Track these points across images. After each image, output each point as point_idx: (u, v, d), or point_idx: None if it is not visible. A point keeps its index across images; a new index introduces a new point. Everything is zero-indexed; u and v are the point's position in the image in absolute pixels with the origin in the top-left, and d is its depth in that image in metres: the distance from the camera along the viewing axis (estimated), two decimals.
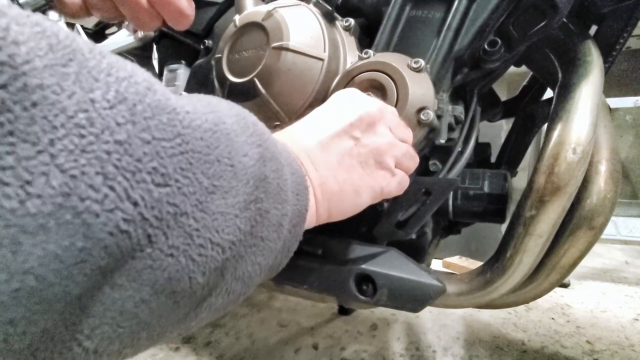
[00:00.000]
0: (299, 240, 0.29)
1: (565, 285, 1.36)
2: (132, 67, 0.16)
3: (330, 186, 0.31)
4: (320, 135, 0.33)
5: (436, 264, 1.53)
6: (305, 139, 0.32)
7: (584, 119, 0.43)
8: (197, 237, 0.17)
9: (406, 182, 0.39)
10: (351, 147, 0.33)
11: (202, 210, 0.17)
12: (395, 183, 0.37)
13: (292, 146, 0.30)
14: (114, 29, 0.84)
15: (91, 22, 0.87)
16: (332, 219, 0.33)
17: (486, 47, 0.46)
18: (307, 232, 0.30)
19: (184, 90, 0.61)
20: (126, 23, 0.64)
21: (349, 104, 0.35)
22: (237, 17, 0.48)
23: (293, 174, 0.26)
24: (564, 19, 0.48)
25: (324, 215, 0.32)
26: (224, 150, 0.19)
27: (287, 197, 0.25)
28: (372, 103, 0.36)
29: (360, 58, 0.46)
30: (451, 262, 1.52)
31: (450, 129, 0.48)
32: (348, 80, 0.44)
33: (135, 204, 0.14)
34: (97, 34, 0.86)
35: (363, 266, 0.44)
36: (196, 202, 0.17)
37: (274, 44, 0.43)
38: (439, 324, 1.03)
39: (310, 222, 0.31)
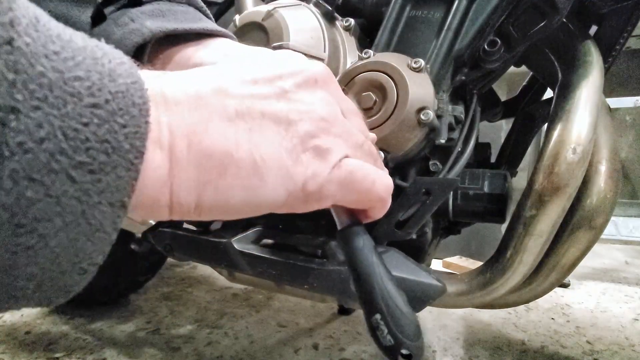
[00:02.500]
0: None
1: (565, 285, 1.36)
2: None
3: (206, 142, 0.18)
4: (219, 80, 0.20)
5: (436, 264, 1.53)
6: (182, 81, 0.19)
7: (584, 119, 0.43)
8: None
9: (354, 180, 0.23)
10: (269, 94, 0.20)
11: None
12: (336, 181, 0.22)
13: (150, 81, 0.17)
14: None
15: None
16: (204, 212, 0.19)
17: (486, 47, 0.46)
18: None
19: None
20: None
21: (277, 55, 0.25)
22: (237, 17, 0.48)
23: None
24: (564, 19, 0.48)
25: (188, 198, 0.18)
26: None
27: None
28: (319, 64, 0.25)
29: (360, 58, 0.46)
30: (451, 262, 1.52)
31: (450, 129, 0.48)
32: (348, 80, 0.44)
33: None
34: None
35: None
36: None
37: (274, 44, 0.43)
38: (439, 324, 1.03)
39: (155, 207, 0.18)
